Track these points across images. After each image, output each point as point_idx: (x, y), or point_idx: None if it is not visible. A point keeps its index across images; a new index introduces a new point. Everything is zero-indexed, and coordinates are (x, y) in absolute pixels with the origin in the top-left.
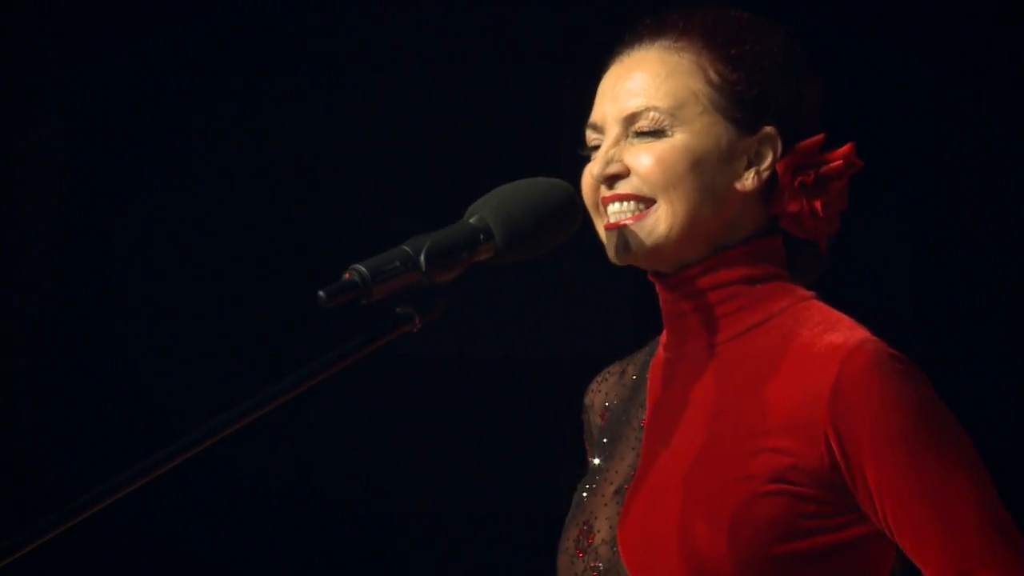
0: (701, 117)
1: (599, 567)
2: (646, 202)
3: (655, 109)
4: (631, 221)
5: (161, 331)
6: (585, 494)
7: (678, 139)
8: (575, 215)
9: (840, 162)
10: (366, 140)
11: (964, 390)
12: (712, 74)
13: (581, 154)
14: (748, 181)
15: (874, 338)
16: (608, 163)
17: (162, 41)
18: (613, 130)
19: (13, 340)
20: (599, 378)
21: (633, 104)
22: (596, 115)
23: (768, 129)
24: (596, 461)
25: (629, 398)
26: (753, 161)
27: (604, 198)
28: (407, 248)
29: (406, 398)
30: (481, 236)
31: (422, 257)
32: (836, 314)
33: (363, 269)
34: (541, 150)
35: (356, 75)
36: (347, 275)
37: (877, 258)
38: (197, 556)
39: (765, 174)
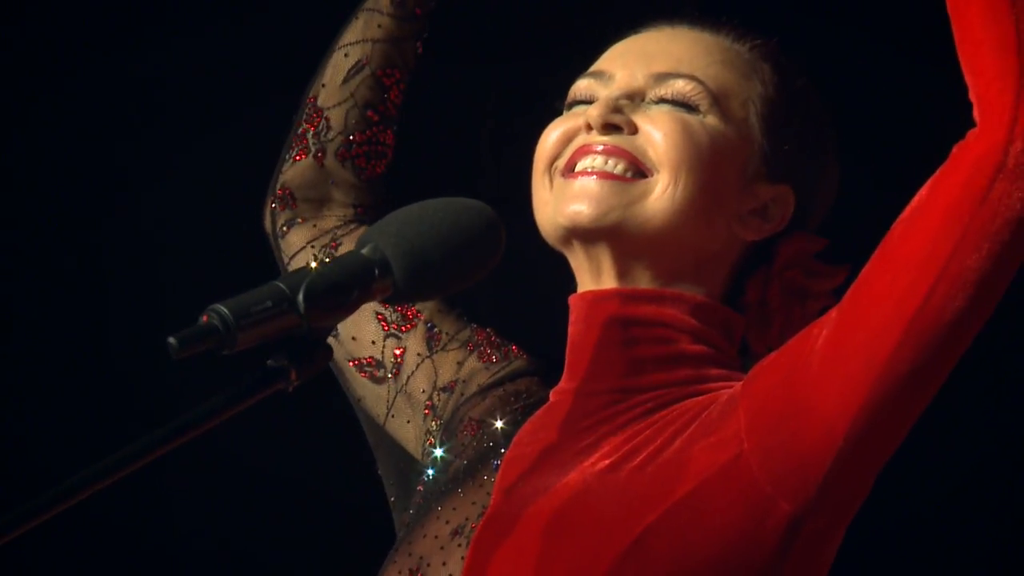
0: (742, 122)
1: None
2: (641, 172)
3: (697, 81)
4: (614, 179)
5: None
6: (411, 511)
7: (711, 122)
8: (496, 245)
9: (832, 283)
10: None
11: (962, 390)
12: (771, 91)
13: (554, 105)
14: (749, 228)
15: None
16: (616, 111)
17: None
18: (629, 81)
19: None
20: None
21: (670, 66)
22: (605, 64)
23: (787, 189)
24: (431, 472)
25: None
26: (760, 212)
27: (585, 148)
28: (282, 285)
29: None
30: (376, 270)
31: (301, 296)
32: None
33: (225, 311)
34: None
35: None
36: (204, 318)
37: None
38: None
39: (766, 232)
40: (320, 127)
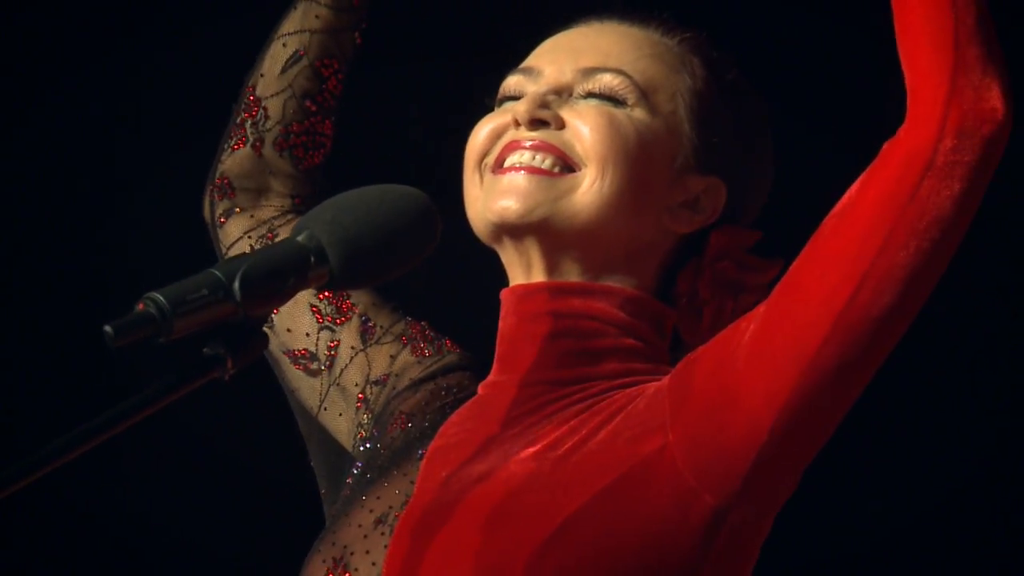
0: (670, 116)
1: None
2: (569, 167)
3: (624, 75)
4: (541, 174)
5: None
6: (339, 504)
7: (638, 115)
8: (431, 232)
9: (765, 277)
10: None
11: (962, 390)
12: (699, 84)
13: (485, 102)
14: (679, 220)
15: None
16: (543, 106)
17: None
18: (556, 76)
19: None
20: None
21: (598, 60)
22: (534, 60)
23: (719, 181)
24: (359, 465)
25: (425, 432)
26: (691, 204)
27: (513, 144)
28: (218, 272)
29: None
30: (312, 258)
31: (236, 284)
32: None
33: (161, 299)
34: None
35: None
36: (140, 306)
37: None
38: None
39: (696, 224)
40: (258, 117)
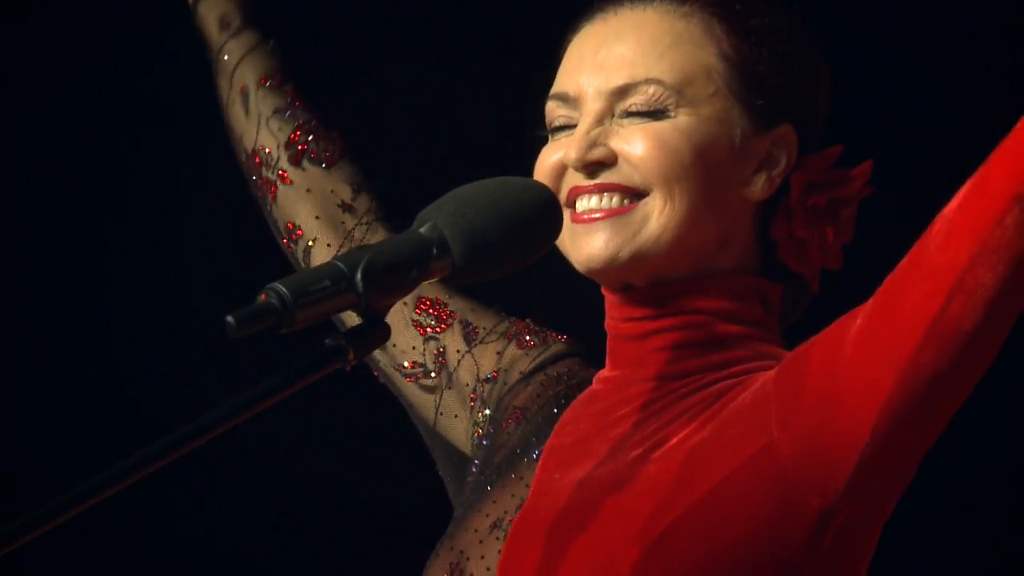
0: (713, 99)
1: None
2: (636, 195)
3: (656, 82)
4: (614, 215)
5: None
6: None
7: (683, 122)
8: (555, 224)
9: (857, 184)
10: None
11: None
12: (727, 47)
13: (538, 135)
14: (758, 188)
15: None
16: (591, 146)
17: None
18: (594, 105)
19: None
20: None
21: (626, 75)
22: (567, 84)
23: (784, 128)
24: (477, 463)
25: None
26: (764, 164)
27: (577, 189)
28: (340, 264)
29: None
30: (434, 250)
31: (359, 276)
32: None
33: (283, 289)
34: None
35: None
36: (263, 296)
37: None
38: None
39: (777, 181)
40: (263, 158)
